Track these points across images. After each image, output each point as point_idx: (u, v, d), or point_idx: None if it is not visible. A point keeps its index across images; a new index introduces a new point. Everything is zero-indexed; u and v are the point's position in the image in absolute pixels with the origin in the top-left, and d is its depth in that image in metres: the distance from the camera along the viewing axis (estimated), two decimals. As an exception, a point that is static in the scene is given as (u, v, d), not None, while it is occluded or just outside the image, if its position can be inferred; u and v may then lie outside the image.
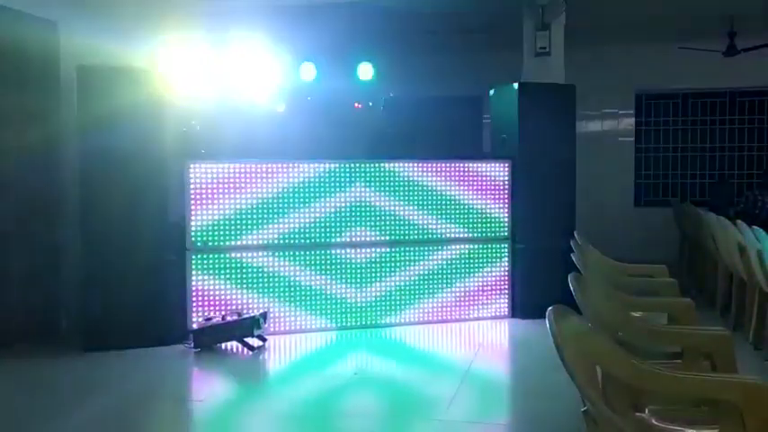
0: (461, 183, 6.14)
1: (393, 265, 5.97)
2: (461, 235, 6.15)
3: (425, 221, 6.05)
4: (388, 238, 5.95)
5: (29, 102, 5.65)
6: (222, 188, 5.51)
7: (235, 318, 5.32)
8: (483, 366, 5.04)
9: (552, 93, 6.45)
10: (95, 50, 5.44)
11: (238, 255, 5.57)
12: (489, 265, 6.25)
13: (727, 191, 9.46)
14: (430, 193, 6.05)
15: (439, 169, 6.08)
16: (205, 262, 5.50)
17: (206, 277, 5.50)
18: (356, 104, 8.37)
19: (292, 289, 5.71)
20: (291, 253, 5.70)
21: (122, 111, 5.21)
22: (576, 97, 6.49)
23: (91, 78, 5.23)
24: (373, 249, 5.92)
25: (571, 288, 2.82)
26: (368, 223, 5.89)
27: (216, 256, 5.52)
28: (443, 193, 6.09)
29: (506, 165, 6.27)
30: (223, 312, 5.45)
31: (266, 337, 5.43)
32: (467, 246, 6.18)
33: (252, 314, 5.36)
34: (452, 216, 6.12)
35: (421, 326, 5.99)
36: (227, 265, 5.54)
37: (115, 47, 5.59)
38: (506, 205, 6.26)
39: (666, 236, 9.06)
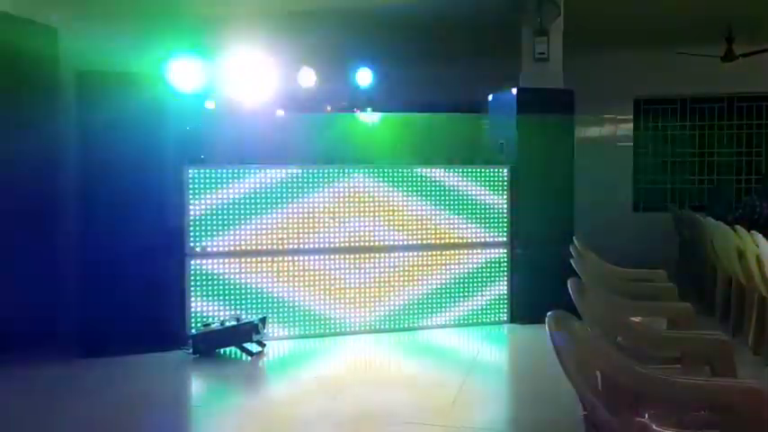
0: (460, 188, 6.15)
1: (392, 270, 5.97)
2: (460, 240, 6.15)
3: (424, 227, 6.05)
4: (386, 243, 5.95)
5: (28, 107, 5.66)
6: (221, 193, 5.51)
7: (233, 323, 5.32)
8: (482, 371, 5.03)
9: (551, 98, 6.46)
10: (95, 56, 5.46)
11: (237, 260, 5.57)
12: (488, 270, 6.25)
13: (725, 196, 9.47)
14: (429, 198, 6.05)
15: (438, 175, 6.09)
16: (204, 267, 5.49)
17: (205, 282, 5.49)
18: (355, 110, 8.37)
19: (291, 294, 5.70)
20: (290, 258, 5.70)
21: (122, 116, 5.21)
22: (575, 102, 6.50)
23: (90, 84, 5.24)
24: (372, 255, 5.92)
25: (570, 293, 2.83)
26: (367, 229, 5.89)
27: (215, 261, 5.52)
28: (442, 198, 6.09)
29: (505, 170, 6.28)
30: (222, 318, 5.44)
31: (265, 342, 5.42)
32: (465, 251, 6.18)
33: (251, 319, 5.36)
34: (451, 221, 6.12)
35: (420, 331, 5.99)
36: (226, 271, 5.54)
37: (115, 52, 5.60)
38: (505, 210, 6.27)
39: (665, 241, 9.06)
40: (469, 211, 6.18)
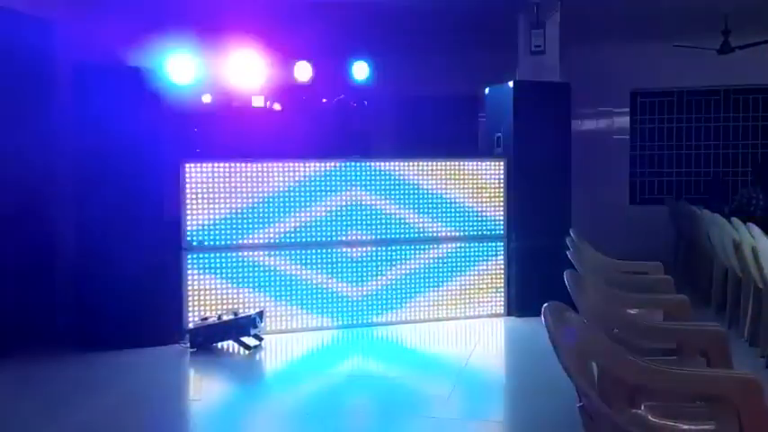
0: (457, 181, 6.15)
1: (389, 263, 5.98)
2: (457, 233, 6.16)
3: (421, 220, 6.06)
4: (383, 236, 5.95)
5: (24, 100, 5.64)
6: (218, 187, 5.51)
7: (231, 317, 5.32)
8: (479, 364, 5.05)
9: (547, 91, 6.46)
10: (91, 49, 5.44)
11: (234, 254, 5.57)
12: (485, 263, 6.26)
13: (722, 188, 9.47)
14: (426, 191, 6.06)
15: (435, 168, 6.09)
16: (201, 261, 5.49)
17: (202, 276, 5.49)
18: (352, 103, 8.36)
19: (288, 288, 5.71)
20: (287, 252, 5.70)
21: (118, 110, 5.20)
22: (571, 95, 6.50)
23: (86, 77, 5.22)
24: (369, 248, 5.92)
25: (567, 285, 2.83)
26: (364, 222, 5.90)
27: (212, 255, 5.52)
28: (439, 191, 6.09)
29: (501, 163, 6.28)
30: (219, 312, 5.45)
31: (262, 336, 5.43)
32: (462, 244, 6.18)
33: (248, 313, 5.36)
34: (448, 215, 6.13)
35: (417, 324, 6.00)
36: (223, 265, 5.54)
37: (111, 46, 5.59)
38: (502, 203, 6.27)
39: (662, 233, 9.07)
40: (466, 204, 6.18)
